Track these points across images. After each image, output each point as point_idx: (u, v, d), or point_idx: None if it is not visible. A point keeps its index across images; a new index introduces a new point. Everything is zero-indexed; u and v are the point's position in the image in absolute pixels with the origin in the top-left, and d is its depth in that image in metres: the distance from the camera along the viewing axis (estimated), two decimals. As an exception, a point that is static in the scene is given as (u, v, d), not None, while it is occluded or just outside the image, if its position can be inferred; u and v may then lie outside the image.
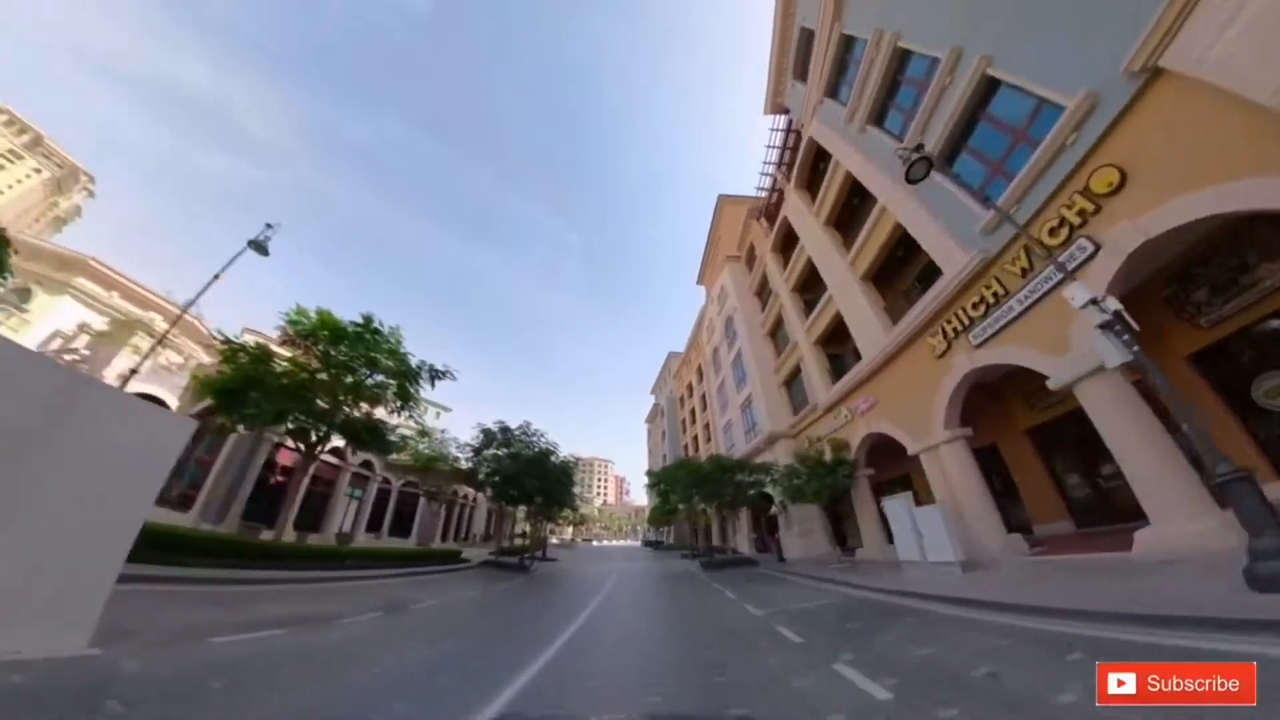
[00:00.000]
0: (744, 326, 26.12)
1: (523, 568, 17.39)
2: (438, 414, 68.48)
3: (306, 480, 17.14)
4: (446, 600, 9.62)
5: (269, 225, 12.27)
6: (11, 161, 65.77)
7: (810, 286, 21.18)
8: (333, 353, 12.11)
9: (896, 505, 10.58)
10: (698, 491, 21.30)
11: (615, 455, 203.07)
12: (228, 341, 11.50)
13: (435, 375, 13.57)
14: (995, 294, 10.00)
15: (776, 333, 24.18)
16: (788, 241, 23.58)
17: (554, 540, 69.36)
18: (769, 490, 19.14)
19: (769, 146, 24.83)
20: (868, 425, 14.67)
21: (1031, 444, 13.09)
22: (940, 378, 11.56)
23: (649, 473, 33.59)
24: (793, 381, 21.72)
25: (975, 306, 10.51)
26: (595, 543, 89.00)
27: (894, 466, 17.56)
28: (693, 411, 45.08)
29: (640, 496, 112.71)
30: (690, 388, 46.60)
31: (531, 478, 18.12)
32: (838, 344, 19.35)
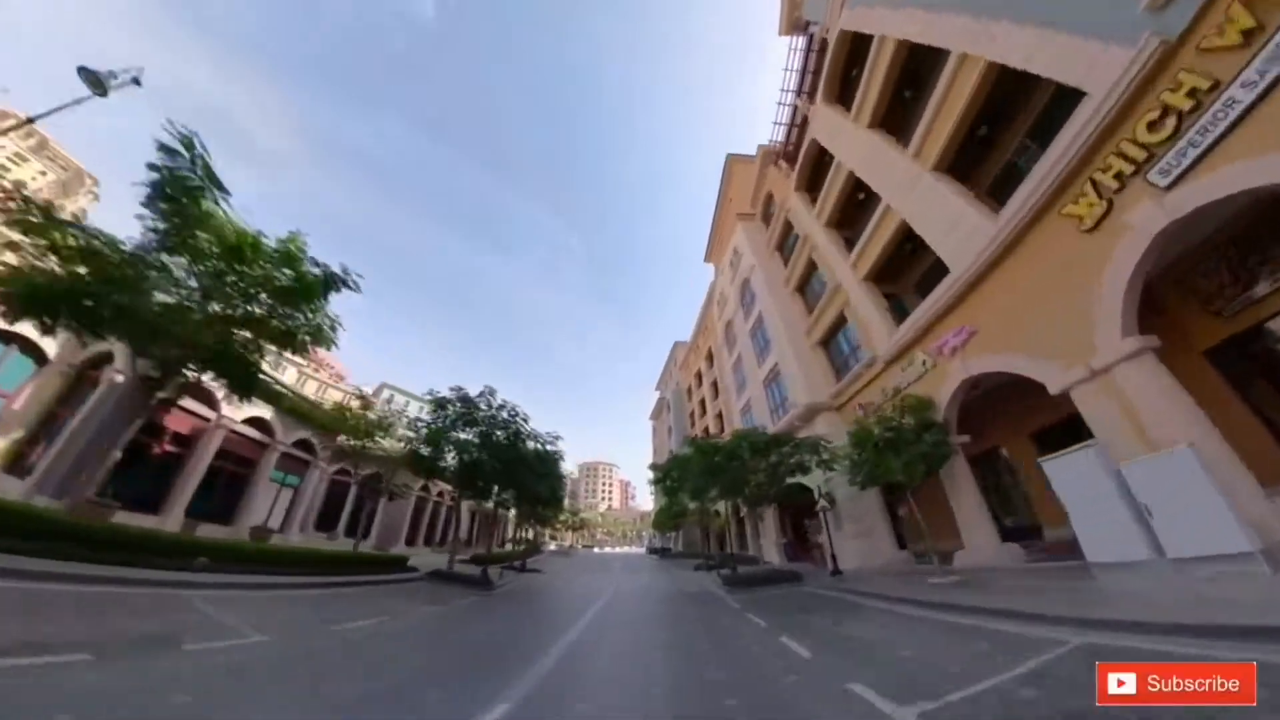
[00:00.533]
0: (765, 285, 22.04)
1: (484, 582, 13.12)
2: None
3: (204, 454, 12.86)
4: (294, 638, 5.53)
5: (137, 80, 8.63)
6: (18, 164, 66.40)
7: (850, 220, 17.20)
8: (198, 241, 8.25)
9: (1078, 465, 6.31)
10: (714, 482, 15.82)
11: (621, 460, 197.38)
12: (16, 197, 7.40)
13: (332, 283, 9.56)
14: (1193, 91, 6.19)
15: (806, 286, 20.08)
16: (815, 175, 19.72)
17: (551, 546, 64.59)
18: (807, 481, 14.54)
19: (787, 70, 21.16)
20: (965, 368, 10.45)
21: (1218, 371, 8.79)
22: (1100, 261, 7.50)
23: (653, 466, 29.20)
24: (832, 340, 17.54)
25: (1153, 127, 6.69)
26: (596, 549, 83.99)
27: (979, 437, 13.33)
28: (702, 402, 40.87)
29: (646, 500, 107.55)
30: (699, 376, 42.43)
31: (493, 459, 14.07)
32: (892, 280, 15.25)
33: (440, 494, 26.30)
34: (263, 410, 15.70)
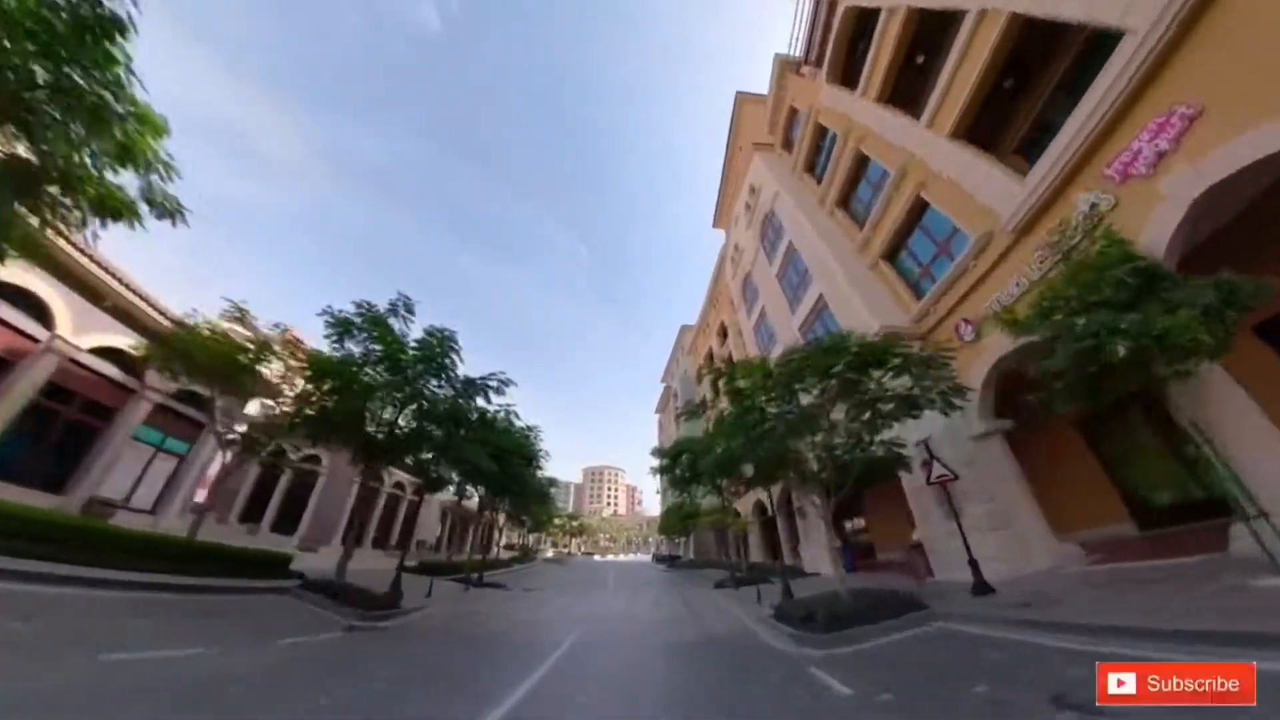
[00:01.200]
0: (796, 208, 17.66)
1: (383, 604, 8.37)
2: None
3: None
4: None
5: None
6: None
7: (908, 94, 12.85)
8: None
9: None
10: (752, 451, 9.00)
11: (626, 464, 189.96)
12: None
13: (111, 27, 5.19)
14: None
15: (851, 197, 15.67)
16: (852, 61, 15.54)
17: (549, 553, 59.20)
18: (902, 438, 8.46)
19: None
20: (1196, 177, 5.80)
21: None
22: None
23: (657, 451, 24.40)
24: (899, 250, 13.00)
25: None
26: (597, 557, 78.31)
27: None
28: (715, 385, 36.11)
29: (653, 505, 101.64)
30: (710, 356, 37.87)
31: (424, 420, 9.63)
32: (982, 145, 10.65)
33: (399, 484, 21.75)
34: (122, 338, 11.41)
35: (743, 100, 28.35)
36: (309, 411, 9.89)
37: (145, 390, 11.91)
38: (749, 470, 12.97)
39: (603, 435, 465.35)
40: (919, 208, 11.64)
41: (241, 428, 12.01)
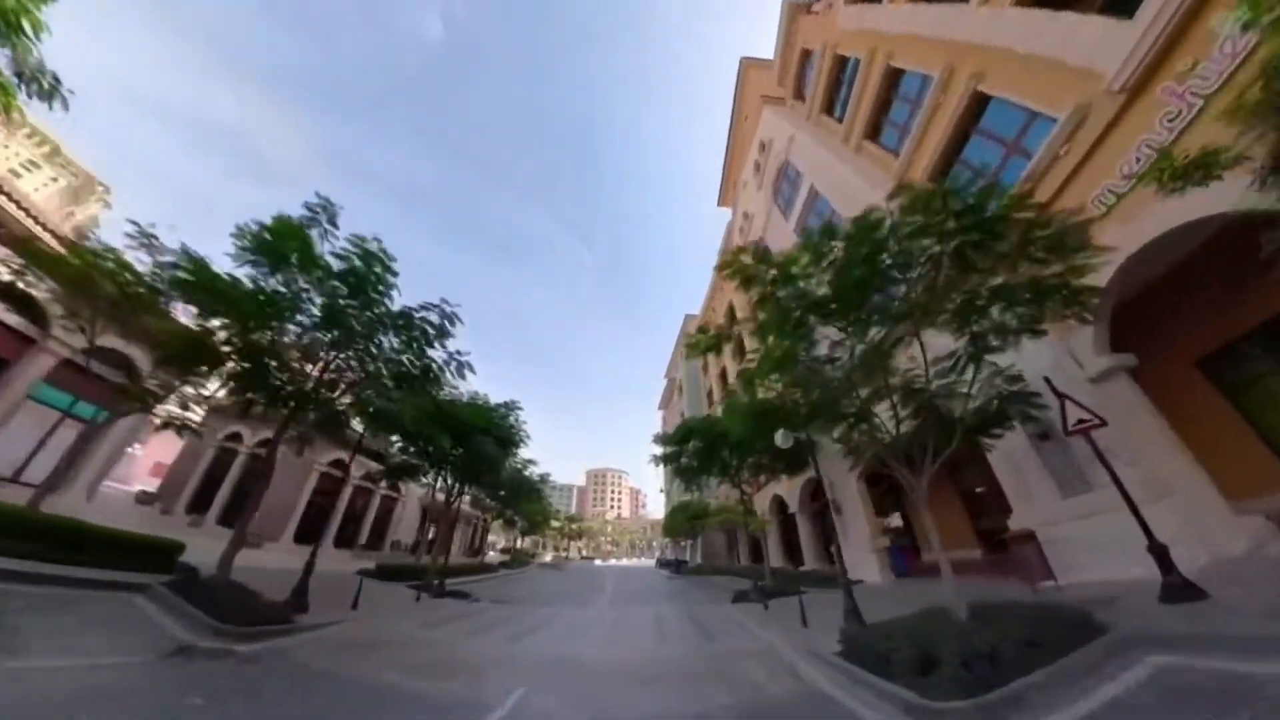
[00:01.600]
0: (817, 147, 15.64)
1: (271, 616, 6.41)
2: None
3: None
4: None
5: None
6: (30, 170, 68.01)
7: None
8: None
9: None
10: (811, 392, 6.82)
11: (630, 467, 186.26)
12: None
13: None
14: None
15: (882, 122, 13.58)
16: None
17: (547, 557, 56.68)
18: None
19: None
20: None
21: None
22: None
23: (660, 437, 21.86)
24: (950, 167, 10.86)
25: None
26: (598, 561, 75.53)
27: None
28: (723, 373, 34.22)
29: (656, 508, 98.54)
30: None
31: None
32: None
33: (368, 475, 19.54)
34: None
35: (748, 65, 26.59)
36: (231, 347, 7.86)
37: (47, 342, 9.95)
38: (787, 440, 10.29)
39: (605, 437, 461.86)
40: (975, 106, 9.51)
41: (181, 397, 9.96)
